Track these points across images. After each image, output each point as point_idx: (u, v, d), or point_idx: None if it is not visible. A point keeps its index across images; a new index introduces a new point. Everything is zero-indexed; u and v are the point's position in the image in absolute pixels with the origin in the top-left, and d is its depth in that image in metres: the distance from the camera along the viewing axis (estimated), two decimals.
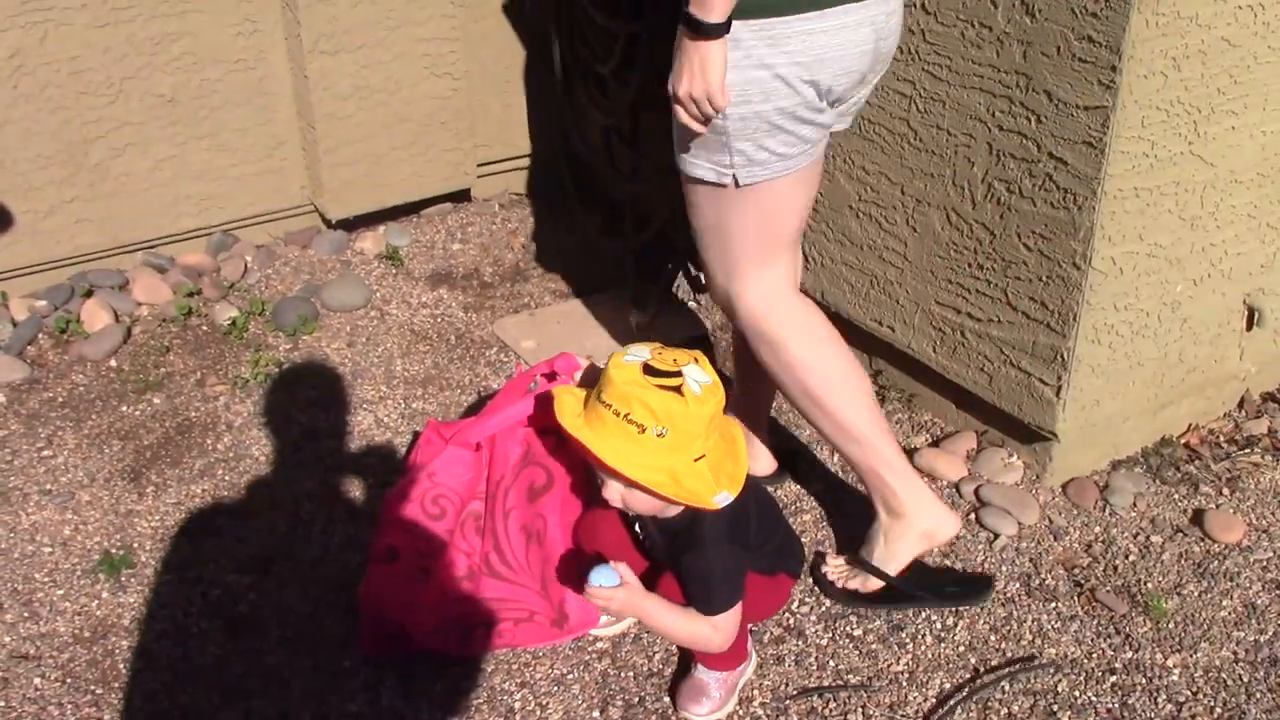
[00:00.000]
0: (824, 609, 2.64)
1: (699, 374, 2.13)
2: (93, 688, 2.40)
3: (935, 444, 3.13)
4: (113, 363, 3.37)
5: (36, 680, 2.42)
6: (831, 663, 2.51)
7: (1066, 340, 2.77)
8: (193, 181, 3.72)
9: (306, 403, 3.24)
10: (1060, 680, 2.46)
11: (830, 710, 2.39)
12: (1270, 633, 2.58)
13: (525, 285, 3.83)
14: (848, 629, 2.59)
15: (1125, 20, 2.44)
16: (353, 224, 4.01)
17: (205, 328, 3.54)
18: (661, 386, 2.09)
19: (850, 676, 2.47)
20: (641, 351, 2.16)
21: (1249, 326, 3.06)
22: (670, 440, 2.09)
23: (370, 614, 2.45)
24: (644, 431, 2.08)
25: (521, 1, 4.08)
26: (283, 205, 3.94)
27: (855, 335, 3.40)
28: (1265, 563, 2.77)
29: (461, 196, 4.24)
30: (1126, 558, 2.78)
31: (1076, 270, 2.70)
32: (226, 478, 2.97)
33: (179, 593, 2.64)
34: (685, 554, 2.23)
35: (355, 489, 2.94)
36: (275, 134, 3.79)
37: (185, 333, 3.51)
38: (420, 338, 3.53)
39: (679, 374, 2.11)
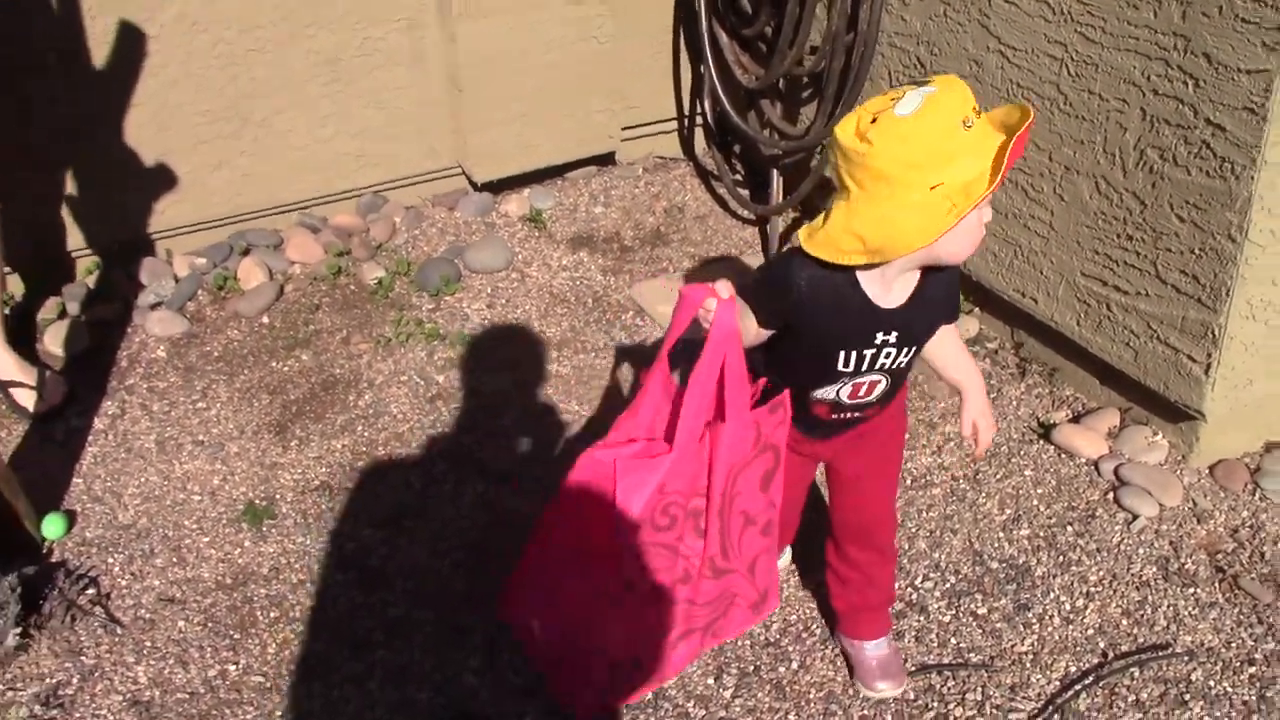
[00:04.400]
0: (949, 585, 2.59)
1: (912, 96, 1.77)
2: (231, 633, 2.52)
3: (1076, 420, 3.03)
4: (265, 319, 3.50)
5: (180, 623, 2.54)
6: (954, 640, 2.46)
7: (1218, 315, 2.64)
8: (349, 140, 3.82)
9: (445, 363, 3.31)
10: (1195, 669, 2.37)
11: (949, 689, 2.35)
12: None
13: (665, 249, 3.83)
14: (972, 607, 2.53)
15: None
16: (498, 187, 4.06)
17: (353, 287, 3.64)
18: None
19: (972, 655, 2.42)
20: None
21: None
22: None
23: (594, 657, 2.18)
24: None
25: None
26: (431, 167, 4.01)
27: (995, 306, 3.32)
28: None
29: (606, 160, 4.25)
30: (1276, 544, 2.65)
31: (1231, 243, 2.57)
32: (365, 434, 3.06)
33: (316, 545, 2.73)
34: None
35: (487, 450, 3.00)
36: (427, 96, 3.86)
37: (334, 291, 3.62)
38: (559, 300, 3.57)
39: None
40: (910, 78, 3.31)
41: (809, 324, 1.97)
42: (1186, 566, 2.61)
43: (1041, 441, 2.97)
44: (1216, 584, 2.56)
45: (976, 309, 3.41)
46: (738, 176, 4.12)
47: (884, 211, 1.78)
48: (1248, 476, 2.83)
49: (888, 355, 2.01)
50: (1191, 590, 2.55)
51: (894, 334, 1.98)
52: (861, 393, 2.07)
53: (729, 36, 3.76)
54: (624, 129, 4.20)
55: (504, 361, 3.33)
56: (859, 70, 3.29)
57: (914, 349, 2.05)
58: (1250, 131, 2.46)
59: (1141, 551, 2.66)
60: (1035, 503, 2.80)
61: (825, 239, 1.87)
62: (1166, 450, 2.89)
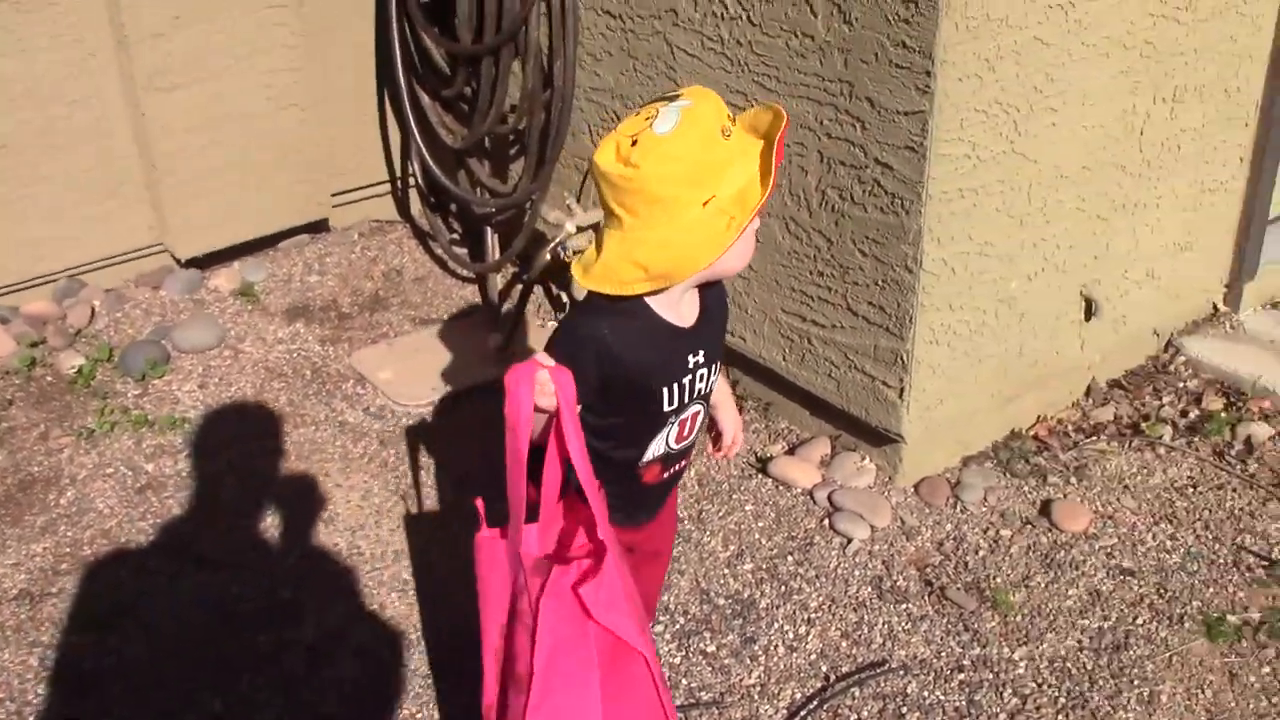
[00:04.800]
0: (678, 626, 2.63)
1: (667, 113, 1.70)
2: None
3: (791, 451, 3.14)
4: None
5: None
6: (685, 680, 2.50)
7: (905, 343, 2.80)
8: (38, 224, 3.62)
9: (154, 450, 3.16)
10: (909, 682, 2.48)
11: None
12: (1114, 619, 2.63)
13: (384, 314, 3.78)
14: (701, 645, 2.58)
15: (935, 25, 2.47)
16: (205, 262, 3.93)
17: (50, 378, 3.44)
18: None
19: (703, 694, 2.47)
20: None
21: (1087, 317, 3.12)
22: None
23: None
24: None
25: (368, 29, 4.03)
26: (131, 246, 3.85)
27: None
28: (1110, 549, 2.82)
29: (319, 227, 4.17)
30: (977, 553, 2.82)
31: (909, 273, 2.73)
32: (69, 534, 2.89)
33: (16, 658, 2.55)
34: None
35: (205, 538, 2.88)
36: (117, 173, 3.70)
37: (29, 384, 3.41)
38: (275, 374, 3.47)
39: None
40: (610, 128, 3.39)
41: (628, 368, 1.82)
42: (899, 583, 2.74)
43: (760, 475, 3.07)
44: (926, 597, 2.70)
45: None
46: (454, 236, 4.11)
47: (663, 235, 1.71)
48: (949, 491, 3.00)
49: (701, 378, 1.93)
50: (904, 606, 2.68)
51: (701, 353, 1.91)
52: (686, 430, 1.97)
53: (430, 98, 3.76)
54: (336, 194, 4.14)
55: (219, 443, 3.21)
56: (559, 126, 3.35)
57: (718, 365, 1.98)
58: (914, 169, 2.62)
59: (857, 573, 2.77)
60: (757, 536, 2.89)
61: (603, 272, 1.77)
62: (874, 473, 3.03)
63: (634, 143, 1.68)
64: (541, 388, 1.70)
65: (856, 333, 2.90)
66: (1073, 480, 3.03)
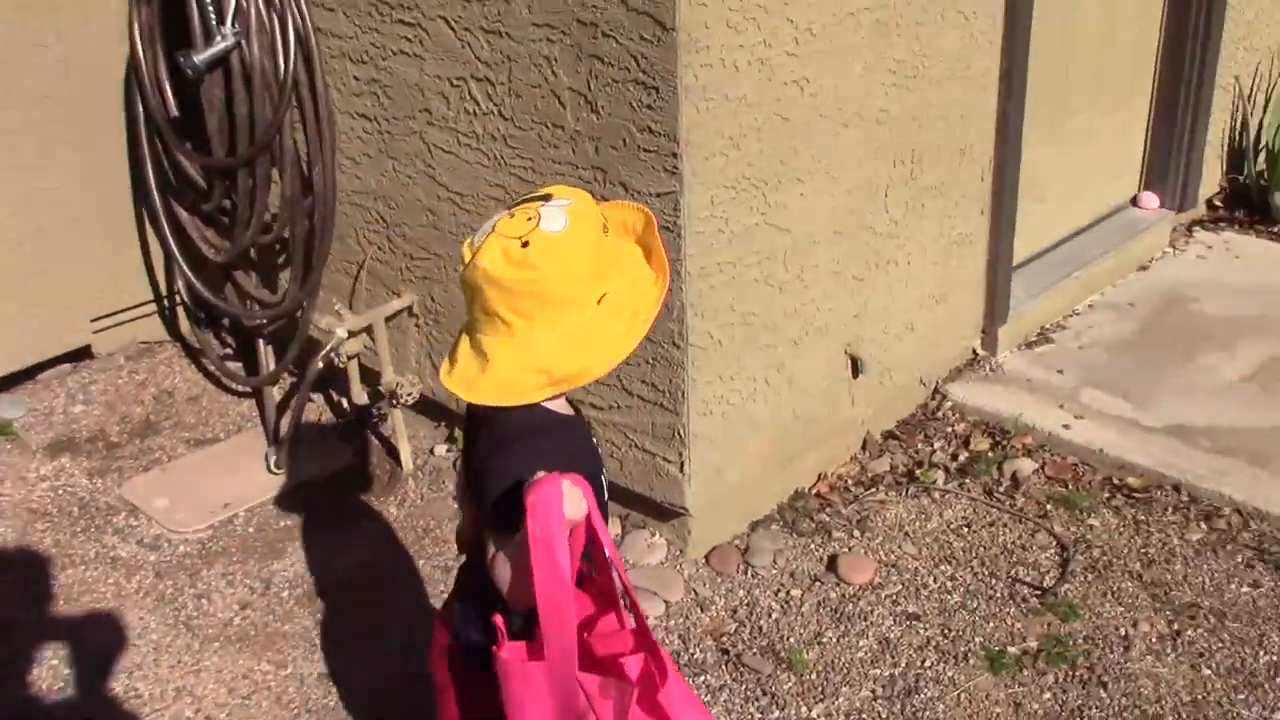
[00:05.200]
0: None
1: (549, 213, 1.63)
2: None
3: None
4: None
5: None
6: None
7: (680, 417, 2.84)
8: None
9: None
10: None
11: None
12: (903, 664, 2.70)
13: (157, 439, 3.64)
14: None
15: (676, 109, 2.55)
16: None
17: None
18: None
19: None
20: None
21: (854, 374, 3.24)
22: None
23: None
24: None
25: (119, 148, 3.91)
26: None
27: None
28: (895, 596, 2.90)
29: (82, 354, 4.00)
30: (770, 616, 2.86)
31: (677, 349, 2.78)
32: None
33: None
34: None
35: None
36: None
37: None
38: (39, 516, 3.29)
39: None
40: (376, 231, 3.37)
41: (593, 463, 1.76)
42: (696, 655, 2.76)
43: None
44: (723, 666, 2.72)
45: None
46: (227, 351, 4.00)
47: (564, 335, 1.61)
48: (739, 558, 3.04)
49: None
50: (703, 678, 2.69)
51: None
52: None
53: (189, 213, 3.67)
54: (97, 319, 3.98)
55: None
56: (323, 232, 3.32)
57: None
58: (671, 247, 2.68)
59: None
60: None
61: (496, 384, 1.62)
62: (665, 548, 3.06)
63: (524, 244, 1.58)
64: (568, 498, 1.51)
65: (633, 412, 2.93)
66: (856, 533, 3.12)
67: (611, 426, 3.00)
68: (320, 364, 3.28)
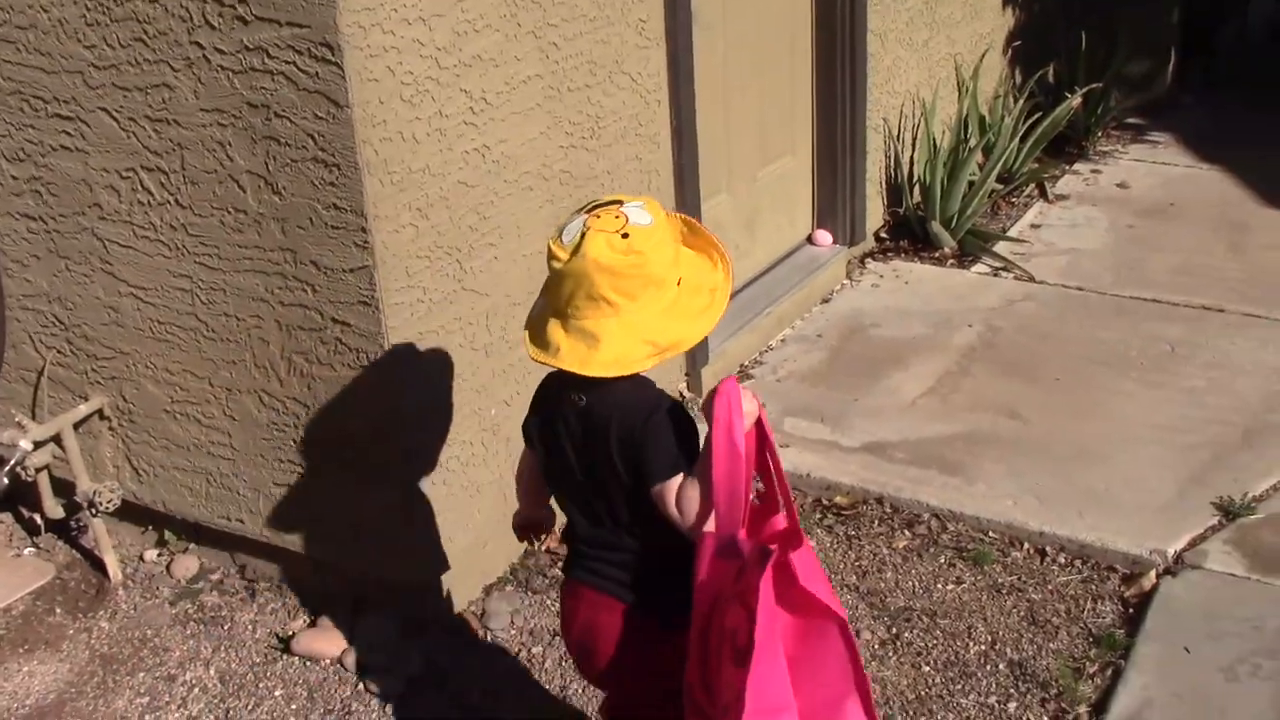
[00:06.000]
0: None
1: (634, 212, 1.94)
2: None
3: (313, 623, 3.05)
4: None
5: None
6: None
7: (399, 491, 2.82)
8: None
9: None
10: None
11: None
12: None
13: None
14: None
15: (360, 184, 2.55)
16: None
17: None
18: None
19: None
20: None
21: None
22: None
23: None
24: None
25: None
26: None
27: (209, 538, 3.27)
28: None
29: None
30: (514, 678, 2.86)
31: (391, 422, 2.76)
32: None
33: None
34: None
35: None
36: None
37: None
38: None
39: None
40: (53, 334, 3.19)
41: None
42: None
43: (285, 656, 2.96)
44: None
45: (191, 545, 3.34)
46: None
47: (660, 311, 1.90)
48: (477, 623, 3.03)
49: None
50: None
51: None
52: None
53: None
54: None
55: None
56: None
57: None
58: (371, 322, 2.68)
59: None
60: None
61: (612, 359, 1.91)
62: (400, 626, 3.00)
63: (625, 235, 1.87)
64: (746, 395, 1.89)
65: (357, 489, 2.89)
66: None
67: (335, 507, 2.94)
68: (5, 480, 3.07)
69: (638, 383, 1.99)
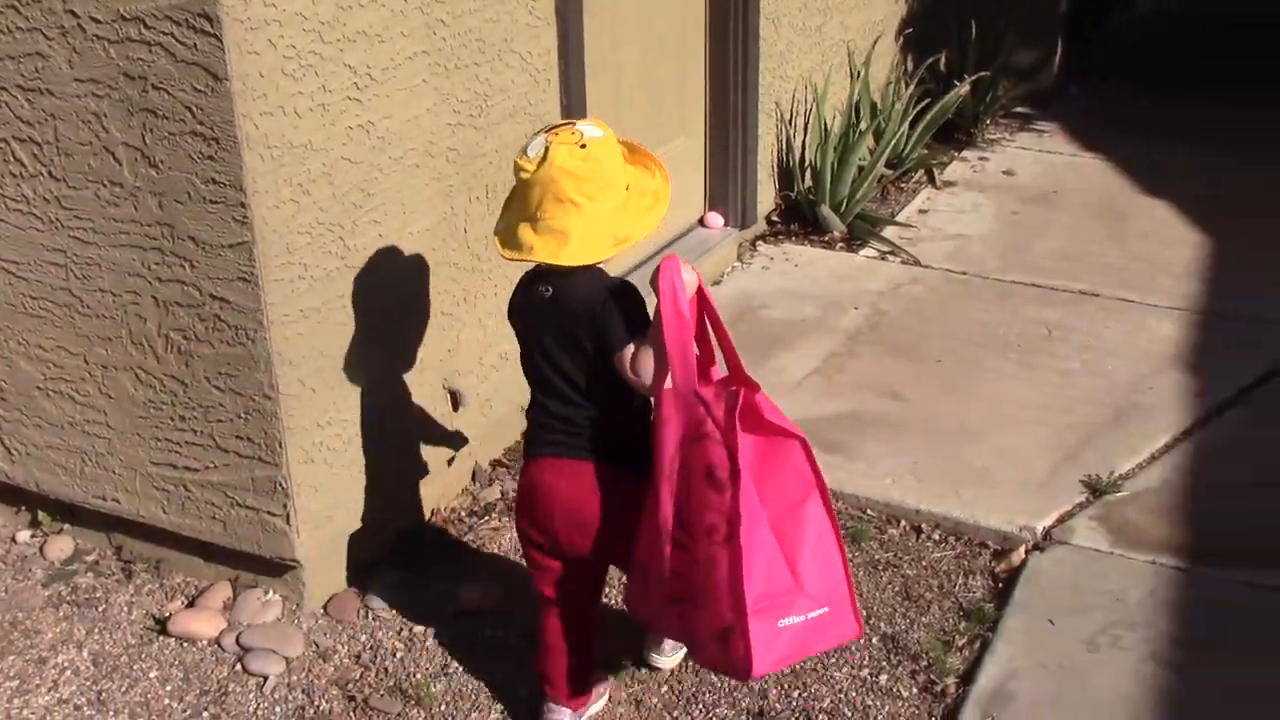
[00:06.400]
0: None
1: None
2: None
3: (191, 604, 3.01)
4: None
5: None
6: None
7: (280, 469, 2.80)
8: None
9: None
10: None
11: None
12: (531, 683, 2.77)
13: None
14: None
15: (239, 158, 2.52)
16: None
17: None
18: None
19: None
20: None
21: (455, 408, 3.29)
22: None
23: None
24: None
25: None
26: None
27: (84, 518, 3.21)
28: (519, 618, 2.97)
29: None
30: (395, 655, 2.86)
31: (269, 400, 2.74)
32: None
33: None
34: None
35: None
36: None
37: None
38: None
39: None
40: None
41: None
42: (323, 708, 2.71)
43: (161, 637, 2.92)
44: (351, 714, 2.69)
45: (65, 526, 3.27)
46: None
47: (615, 208, 2.30)
48: (359, 602, 3.02)
49: None
50: None
51: None
52: None
53: None
54: None
55: None
56: None
57: None
58: (250, 298, 2.64)
59: (279, 710, 2.71)
60: (167, 702, 2.74)
61: (583, 249, 2.29)
62: (281, 605, 2.99)
63: (583, 145, 2.26)
64: (685, 267, 2.27)
65: (231, 469, 2.86)
66: (471, 563, 3.16)
67: (210, 487, 2.91)
68: None
69: (595, 272, 2.37)
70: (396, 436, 3.11)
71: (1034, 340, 4.11)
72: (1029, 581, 2.99)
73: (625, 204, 2.32)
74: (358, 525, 3.05)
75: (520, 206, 2.34)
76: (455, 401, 3.28)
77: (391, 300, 2.99)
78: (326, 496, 2.91)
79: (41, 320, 2.94)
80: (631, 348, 2.30)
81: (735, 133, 4.57)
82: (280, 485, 2.81)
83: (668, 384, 2.27)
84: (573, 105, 3.52)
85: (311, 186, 2.69)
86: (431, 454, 3.26)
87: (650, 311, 2.31)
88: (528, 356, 2.47)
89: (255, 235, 2.58)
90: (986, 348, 4.06)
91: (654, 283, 2.24)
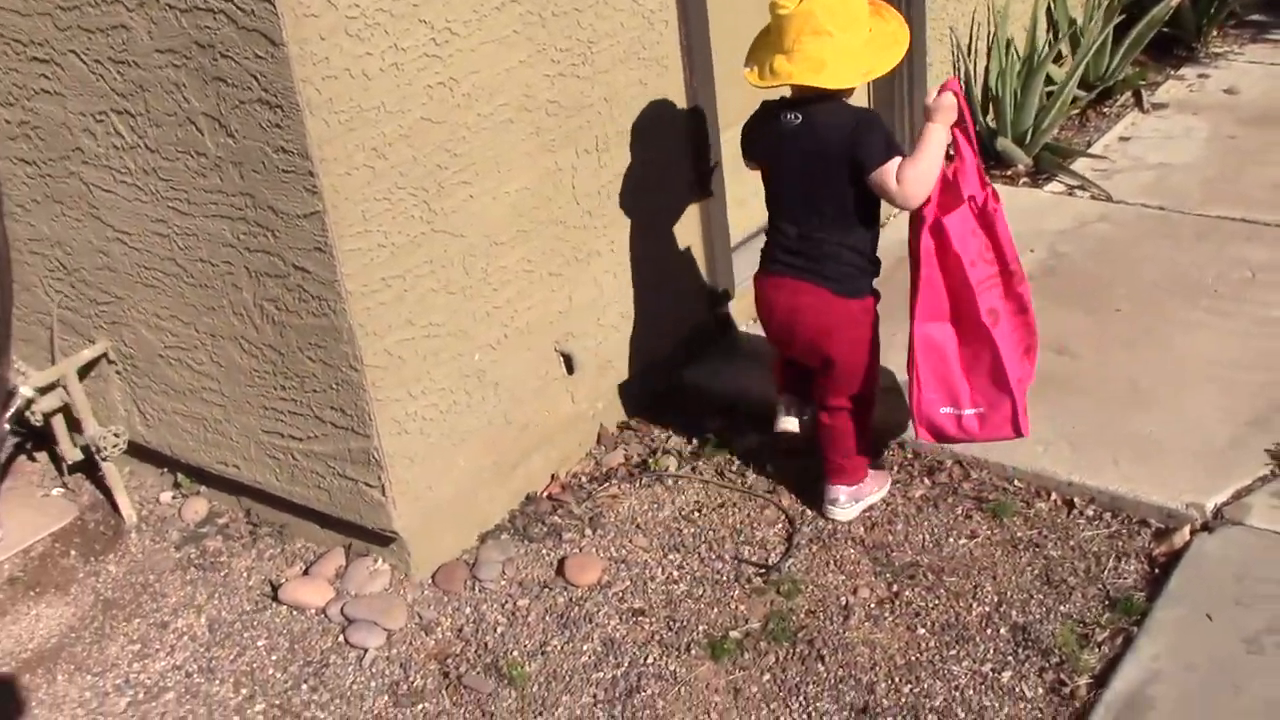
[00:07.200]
0: None
1: None
2: None
3: (306, 571, 3.02)
4: None
5: None
6: None
7: (371, 440, 2.74)
8: None
9: None
10: None
11: None
12: (626, 664, 2.65)
13: None
14: None
15: (303, 125, 2.44)
16: None
17: None
18: None
19: None
20: None
21: (569, 371, 3.16)
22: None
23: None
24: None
25: None
26: None
27: (214, 481, 3.26)
28: (622, 593, 2.84)
29: None
30: (496, 630, 2.78)
31: (355, 371, 2.68)
32: None
33: None
34: None
35: None
36: None
37: None
38: None
39: None
40: (59, 279, 3.19)
41: None
42: (416, 684, 2.67)
43: (274, 604, 2.93)
44: (443, 691, 2.64)
45: (201, 489, 3.34)
46: None
47: (863, 43, 2.62)
48: (467, 573, 2.95)
49: None
50: (421, 706, 2.60)
51: None
52: None
53: None
54: None
55: None
56: (3, 285, 3.12)
57: None
58: (327, 269, 2.58)
59: (374, 685, 2.68)
60: (271, 672, 2.75)
61: (838, 74, 2.61)
62: (389, 575, 2.95)
63: None
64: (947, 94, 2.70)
65: (329, 439, 2.82)
66: (588, 531, 3.05)
67: (313, 457, 2.89)
68: (6, 427, 3.09)
69: (841, 102, 2.68)
70: (502, 402, 3.01)
71: (1234, 285, 3.65)
72: (1190, 567, 2.64)
73: (869, 41, 2.63)
74: (465, 493, 2.98)
75: (774, 42, 2.64)
76: (569, 364, 3.16)
77: (489, 263, 2.88)
78: (424, 466, 2.85)
79: (156, 290, 2.98)
80: (898, 159, 2.61)
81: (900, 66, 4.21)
82: (373, 457, 2.76)
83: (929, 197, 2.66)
84: (694, 48, 3.29)
85: (388, 150, 2.59)
86: (544, 419, 3.15)
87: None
88: (771, 183, 2.79)
89: (326, 204, 2.50)
90: (1176, 294, 3.63)
91: (932, 100, 2.68)
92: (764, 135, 2.76)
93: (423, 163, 2.67)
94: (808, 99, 2.65)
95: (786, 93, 2.72)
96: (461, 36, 2.68)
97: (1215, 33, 5.56)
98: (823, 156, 2.65)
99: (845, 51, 2.59)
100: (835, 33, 2.56)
